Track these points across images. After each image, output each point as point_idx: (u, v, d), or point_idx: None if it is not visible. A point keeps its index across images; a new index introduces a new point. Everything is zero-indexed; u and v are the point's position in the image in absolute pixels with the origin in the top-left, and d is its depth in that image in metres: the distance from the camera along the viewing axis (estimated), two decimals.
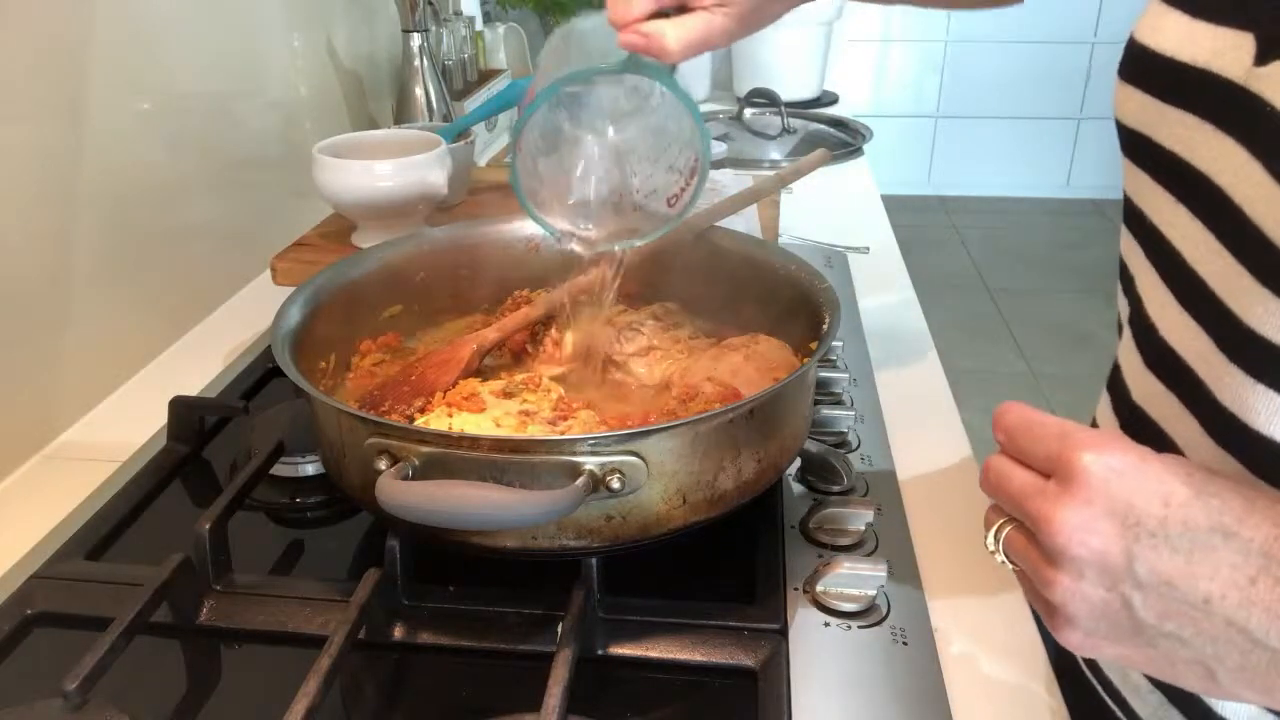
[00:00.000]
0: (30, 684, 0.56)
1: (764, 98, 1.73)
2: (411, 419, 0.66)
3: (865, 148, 1.66)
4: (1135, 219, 0.50)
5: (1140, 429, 0.50)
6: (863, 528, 0.67)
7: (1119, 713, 0.58)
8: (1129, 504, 0.37)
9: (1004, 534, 0.42)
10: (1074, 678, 0.59)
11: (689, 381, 0.71)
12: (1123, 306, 0.54)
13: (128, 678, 0.55)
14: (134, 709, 0.52)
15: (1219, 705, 0.49)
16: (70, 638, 0.60)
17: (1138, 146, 0.49)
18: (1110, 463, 0.37)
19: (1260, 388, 0.41)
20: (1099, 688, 0.59)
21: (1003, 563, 0.43)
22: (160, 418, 0.79)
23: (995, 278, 3.67)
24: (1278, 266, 0.39)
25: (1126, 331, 0.51)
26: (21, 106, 0.78)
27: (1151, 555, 0.37)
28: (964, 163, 4.37)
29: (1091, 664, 0.59)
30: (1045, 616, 0.41)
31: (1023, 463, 0.41)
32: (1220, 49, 0.43)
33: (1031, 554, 0.40)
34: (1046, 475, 0.39)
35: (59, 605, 0.62)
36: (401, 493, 0.51)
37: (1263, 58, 0.41)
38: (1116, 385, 0.52)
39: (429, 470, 0.54)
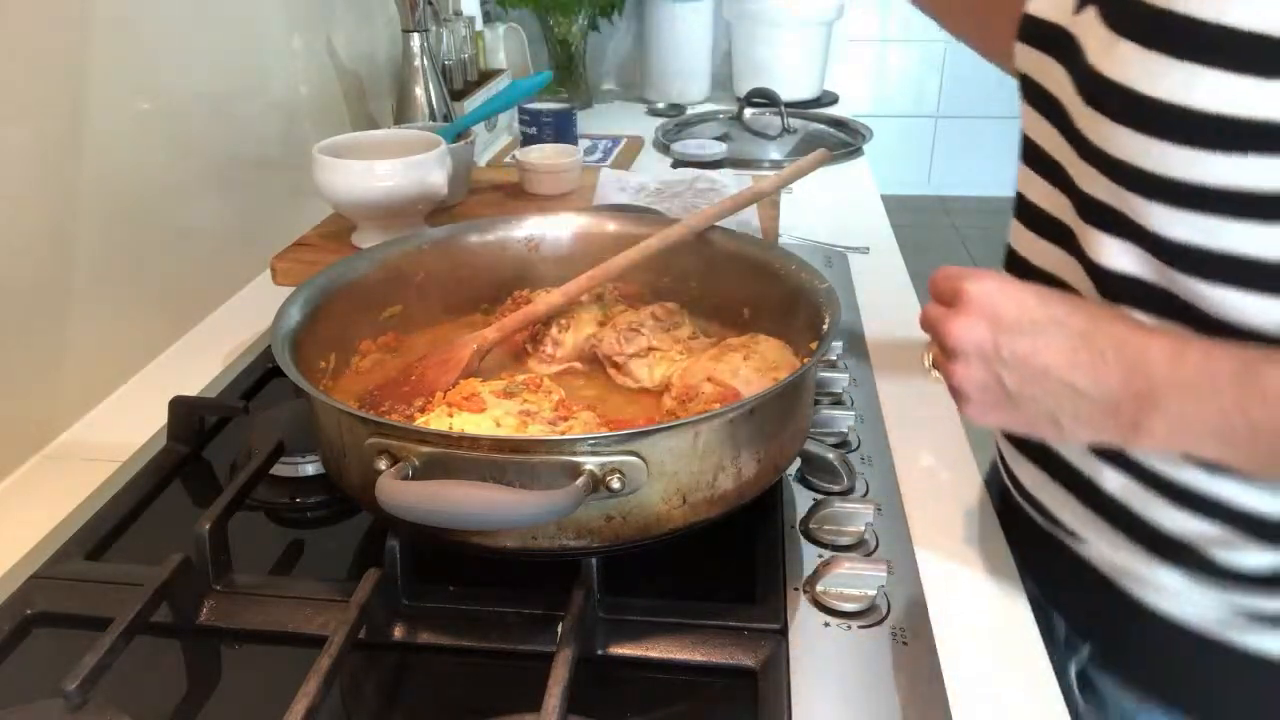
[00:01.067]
0: (30, 684, 0.56)
1: (764, 98, 1.73)
2: (411, 419, 0.66)
3: (865, 148, 1.66)
4: (1024, 143, 0.64)
5: (1032, 277, 0.64)
6: (863, 528, 0.67)
7: (1039, 518, 0.68)
8: (995, 311, 0.53)
9: (930, 355, 0.58)
10: (1011, 511, 0.72)
11: (688, 382, 0.71)
12: (1013, 225, 0.68)
13: (128, 678, 0.55)
14: (134, 709, 0.52)
15: (1104, 482, 0.61)
16: (70, 638, 0.60)
17: (1026, 87, 0.63)
18: (985, 286, 0.54)
19: (1094, 230, 0.56)
20: (1024, 505, 0.70)
21: (936, 378, 0.58)
22: (160, 418, 0.79)
23: None
24: (1091, 148, 0.54)
25: (1017, 225, 0.67)
26: (21, 106, 0.78)
27: (1011, 342, 0.52)
28: (964, 163, 4.36)
29: (1019, 488, 0.70)
30: (956, 401, 0.57)
31: (942, 305, 0.56)
32: (1059, 4, 0.59)
33: (941, 359, 0.56)
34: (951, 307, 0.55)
35: (59, 605, 0.62)
36: (401, 493, 0.51)
37: (1077, 9, 0.56)
38: (1013, 262, 0.67)
39: (429, 470, 0.54)
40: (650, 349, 0.76)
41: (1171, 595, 0.61)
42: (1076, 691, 0.68)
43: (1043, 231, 0.63)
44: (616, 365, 0.77)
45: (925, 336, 0.59)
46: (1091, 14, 0.54)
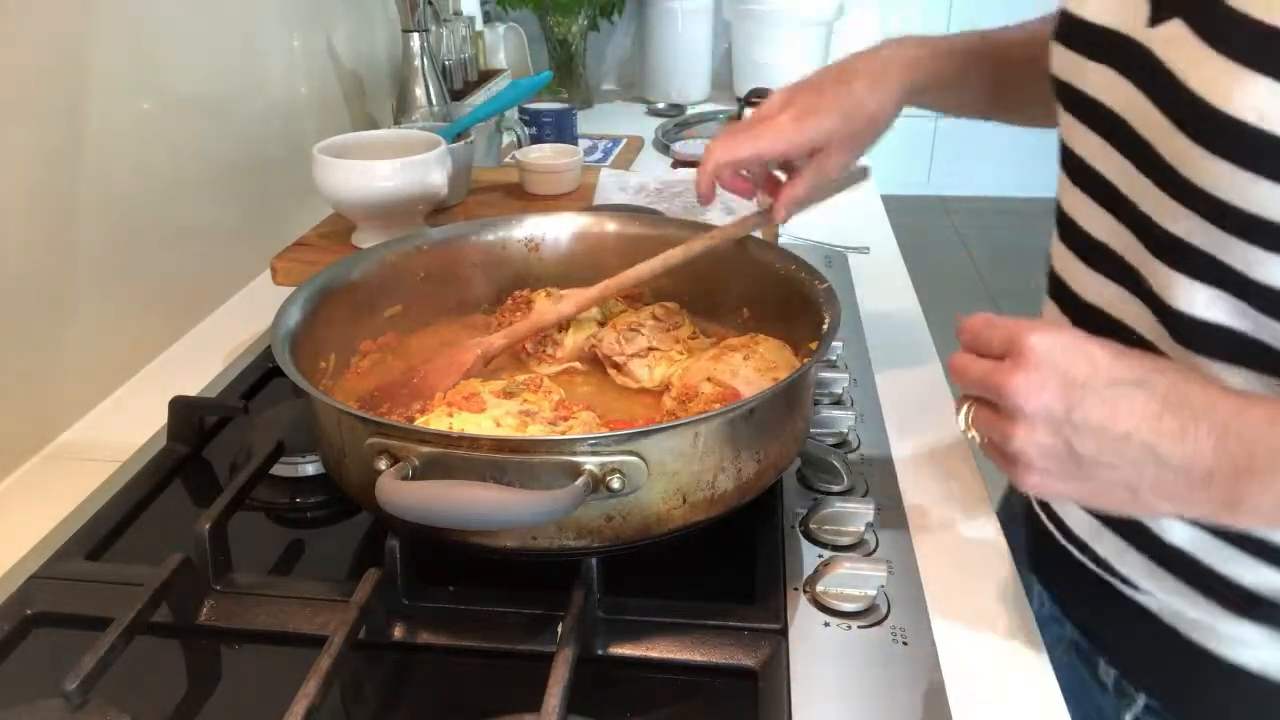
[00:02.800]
0: (30, 684, 0.56)
1: (764, 98, 1.72)
2: (411, 419, 0.66)
3: None
4: (1068, 158, 0.61)
5: (1089, 319, 0.60)
6: (863, 528, 0.67)
7: (1090, 564, 0.65)
8: (1066, 368, 0.47)
9: (971, 412, 0.52)
10: (1050, 550, 0.68)
11: (688, 382, 0.71)
12: (1056, 247, 0.64)
13: (128, 678, 0.55)
14: (134, 709, 0.52)
15: (1169, 533, 0.58)
16: (70, 638, 0.60)
17: (1069, 96, 0.59)
18: (1051, 340, 0.48)
19: (1174, 273, 0.52)
20: (1071, 549, 0.66)
21: (971, 437, 0.52)
22: (160, 418, 0.79)
23: (995, 278, 3.67)
24: (1181, 184, 0.49)
25: (1061, 248, 0.62)
26: (22, 107, 0.78)
27: (1084, 404, 0.47)
28: (964, 163, 4.36)
29: (1057, 522, 0.67)
30: (1007, 467, 0.50)
31: (981, 354, 0.51)
32: (1123, 14, 0.54)
33: (994, 419, 0.50)
34: (1001, 359, 0.49)
35: (59, 605, 0.62)
36: (401, 493, 0.51)
37: (1153, 20, 0.51)
38: (1061, 294, 0.62)
39: (429, 470, 0.54)
40: (650, 349, 0.76)
41: (1252, 648, 0.57)
42: None
43: (1099, 266, 0.58)
44: (616, 365, 0.77)
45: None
46: (1179, 29, 0.49)
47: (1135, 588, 0.61)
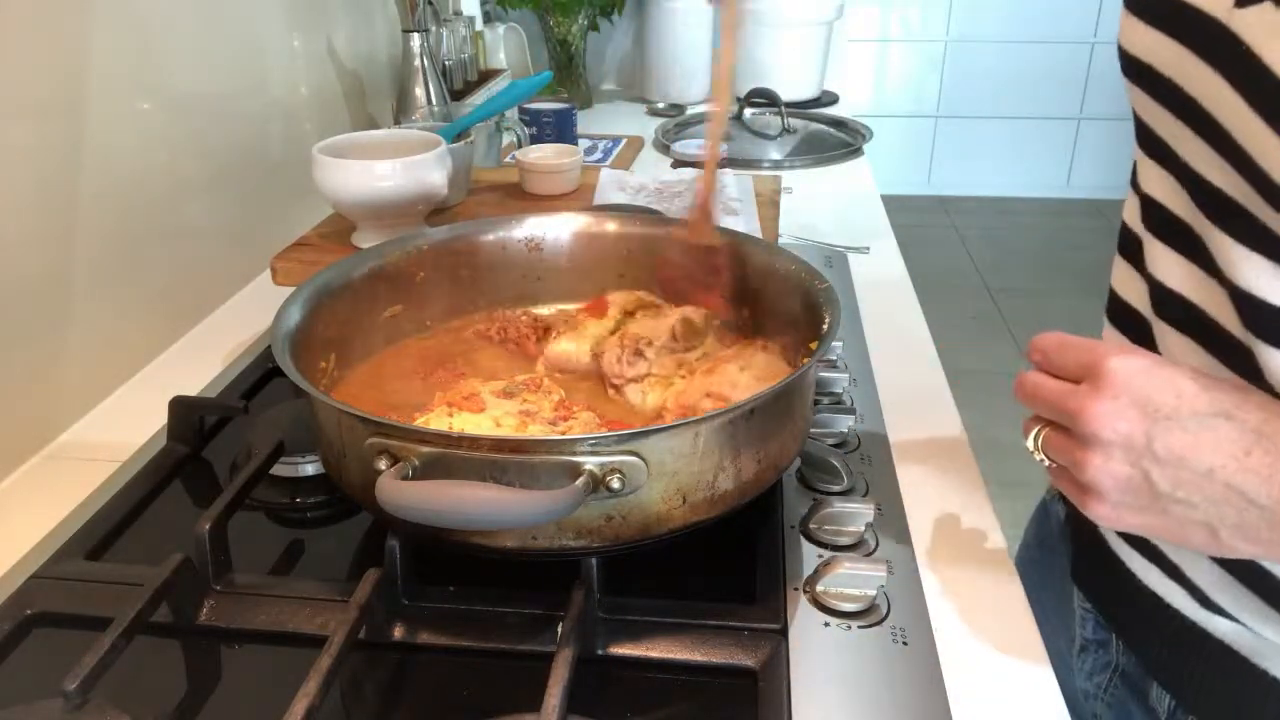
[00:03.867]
0: (30, 684, 0.56)
1: (764, 98, 1.73)
2: (411, 419, 0.66)
3: (865, 148, 1.66)
4: (1144, 132, 0.57)
5: (1168, 304, 0.56)
6: (863, 528, 0.67)
7: (1142, 559, 0.61)
8: (1148, 396, 0.45)
9: (1042, 435, 0.50)
10: (1107, 572, 0.65)
11: (684, 403, 0.69)
12: (1132, 219, 0.59)
13: (128, 678, 0.55)
14: (134, 709, 0.52)
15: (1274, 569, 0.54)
16: (70, 638, 0.60)
17: (1140, 72, 0.55)
18: (1133, 365, 0.46)
19: (1246, 252, 0.48)
20: (1114, 543, 0.63)
21: (1041, 460, 0.50)
22: (160, 418, 0.79)
23: (995, 278, 3.67)
24: (1264, 178, 0.45)
25: (1141, 226, 0.57)
26: (22, 106, 0.78)
27: (1167, 435, 0.44)
28: (964, 163, 4.36)
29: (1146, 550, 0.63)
30: (1077, 496, 0.48)
31: (1055, 375, 0.49)
32: None
33: (1067, 444, 0.48)
34: (1076, 382, 0.47)
35: (59, 605, 0.62)
36: (401, 493, 0.51)
37: (1242, 2, 0.47)
38: (1155, 290, 0.58)
39: (429, 470, 0.54)
40: (647, 375, 0.74)
41: None
42: None
43: (1177, 246, 0.55)
44: (614, 385, 0.75)
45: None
46: (1272, 13, 0.45)
47: (1205, 600, 0.58)
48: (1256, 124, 0.46)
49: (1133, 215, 0.61)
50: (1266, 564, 0.54)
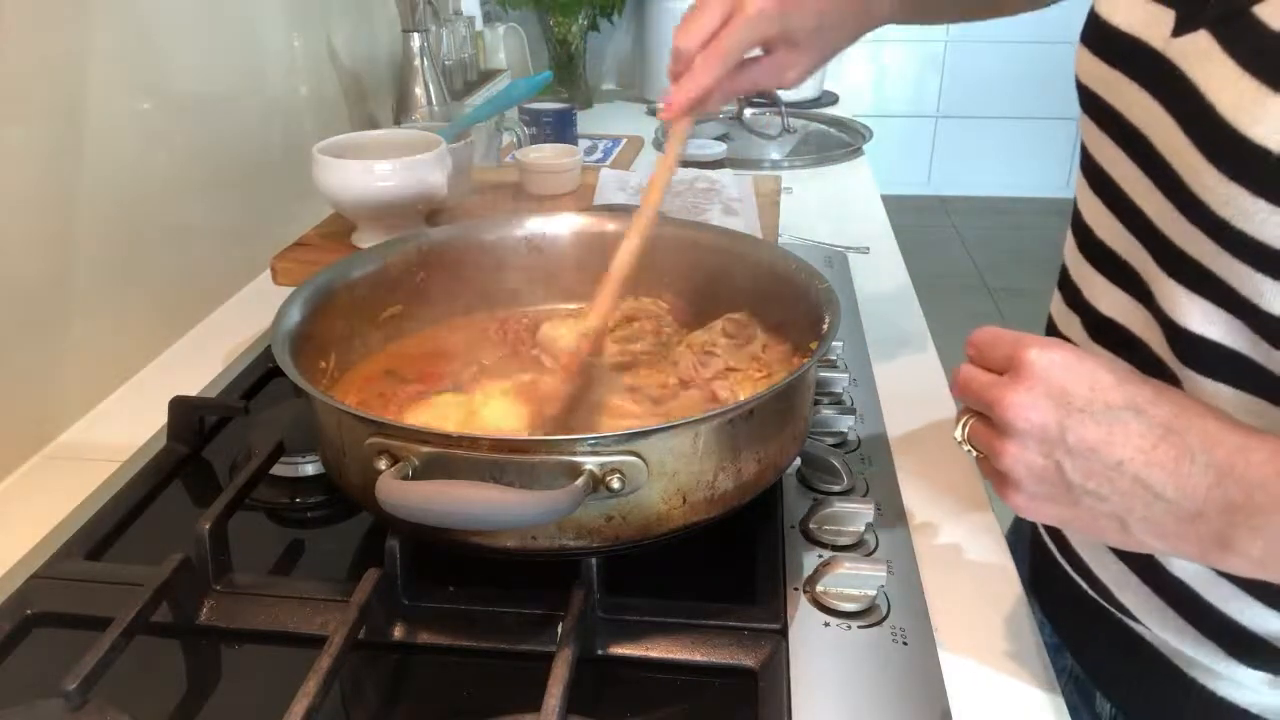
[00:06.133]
0: (30, 684, 0.56)
1: (764, 98, 1.73)
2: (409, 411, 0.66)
3: (865, 148, 1.66)
4: (1087, 162, 0.59)
5: (1101, 329, 0.59)
6: (863, 528, 0.67)
7: (1091, 591, 0.63)
8: (1064, 388, 0.45)
9: (969, 425, 0.50)
10: (1051, 578, 0.67)
11: None
12: (1071, 254, 0.62)
13: (128, 678, 0.55)
14: (134, 709, 0.52)
15: (1172, 565, 0.56)
16: (70, 638, 0.60)
17: (1090, 102, 0.57)
18: (1051, 357, 0.46)
19: (1178, 288, 0.50)
20: (1075, 576, 0.64)
21: (968, 451, 0.51)
22: (160, 418, 0.79)
23: (995, 278, 3.67)
24: (1196, 204, 0.47)
25: (1077, 255, 0.61)
26: (21, 107, 0.78)
27: (1079, 427, 0.45)
28: (964, 163, 4.37)
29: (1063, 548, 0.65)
30: (996, 485, 0.49)
31: (987, 368, 0.49)
32: (1148, 21, 0.51)
33: (987, 434, 0.48)
34: (1002, 374, 0.48)
35: (59, 605, 0.62)
36: (401, 493, 0.51)
37: (1178, 31, 0.49)
38: (1072, 298, 0.61)
39: (429, 470, 0.54)
40: (729, 369, 0.74)
41: (1252, 691, 0.56)
42: None
43: (1111, 275, 0.57)
44: (700, 389, 0.73)
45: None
46: (1205, 41, 0.47)
47: (1134, 619, 0.59)
48: (1192, 153, 0.47)
49: (1070, 246, 0.63)
50: (1161, 559, 0.56)
